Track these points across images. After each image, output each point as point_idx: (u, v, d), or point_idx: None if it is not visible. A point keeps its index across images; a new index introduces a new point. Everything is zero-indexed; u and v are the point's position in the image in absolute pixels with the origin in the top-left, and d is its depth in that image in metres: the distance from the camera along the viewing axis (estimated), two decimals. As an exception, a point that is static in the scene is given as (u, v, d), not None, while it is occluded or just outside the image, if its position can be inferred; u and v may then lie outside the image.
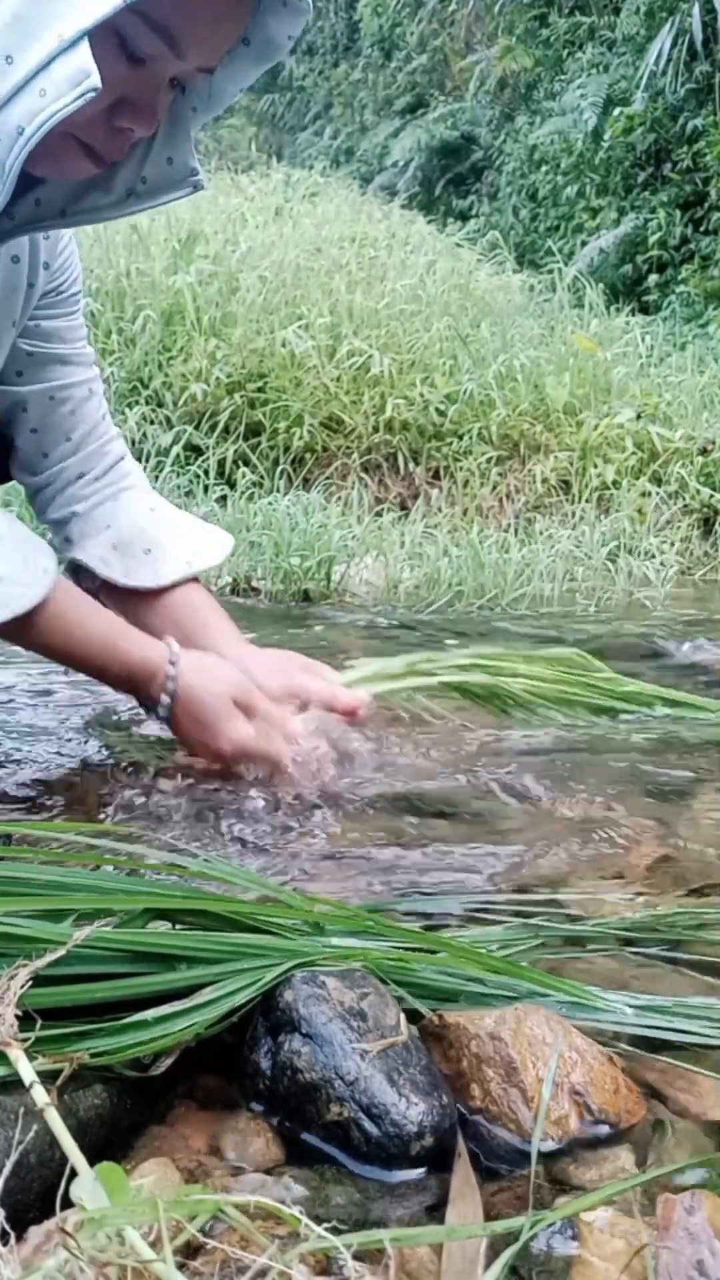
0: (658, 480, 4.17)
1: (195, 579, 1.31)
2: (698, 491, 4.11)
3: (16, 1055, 0.54)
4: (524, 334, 5.01)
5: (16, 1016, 0.56)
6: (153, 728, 1.30)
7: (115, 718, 1.45)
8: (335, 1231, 0.51)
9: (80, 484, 1.30)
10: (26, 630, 1.09)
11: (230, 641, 1.27)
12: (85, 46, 0.85)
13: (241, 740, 1.15)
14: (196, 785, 1.16)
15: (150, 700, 1.17)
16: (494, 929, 0.82)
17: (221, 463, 3.70)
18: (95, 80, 0.85)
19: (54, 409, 1.26)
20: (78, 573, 1.30)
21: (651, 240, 8.54)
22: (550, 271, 6.53)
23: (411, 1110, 0.58)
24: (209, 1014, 0.61)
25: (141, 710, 1.24)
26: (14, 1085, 0.54)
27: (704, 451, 4.29)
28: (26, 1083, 0.53)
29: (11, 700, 1.54)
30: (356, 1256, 0.51)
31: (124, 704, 1.42)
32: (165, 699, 1.15)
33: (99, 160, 0.98)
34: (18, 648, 1.21)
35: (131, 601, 1.28)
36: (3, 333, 1.17)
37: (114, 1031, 0.59)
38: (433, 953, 0.73)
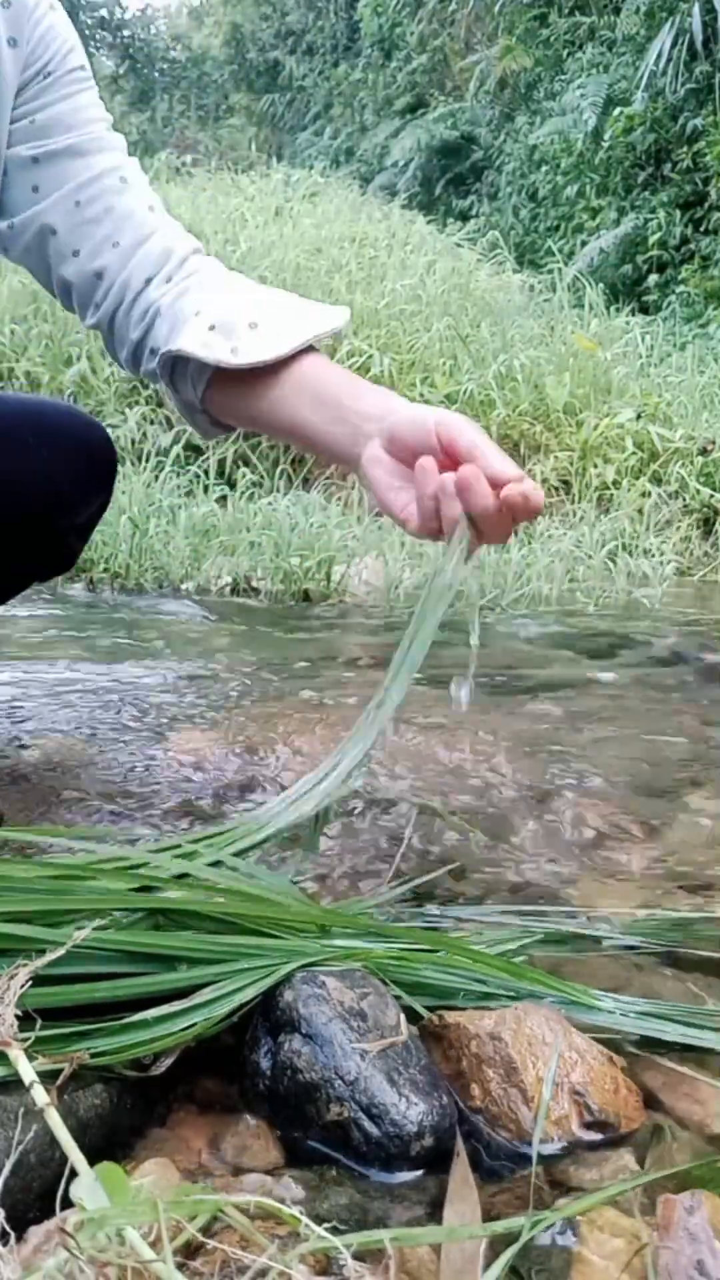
0: (657, 480, 4.18)
1: (316, 349, 1.04)
2: (697, 491, 4.12)
3: (16, 1055, 0.54)
4: (524, 334, 5.01)
5: (17, 1016, 0.56)
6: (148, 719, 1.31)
7: (115, 717, 1.45)
8: (335, 1232, 0.51)
9: (150, 289, 1.04)
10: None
11: (381, 396, 0.99)
12: None
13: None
14: (196, 785, 1.16)
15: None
16: (494, 928, 0.82)
17: (221, 463, 3.70)
18: None
19: (83, 215, 1.01)
20: (174, 370, 1.06)
21: (651, 240, 8.54)
22: (550, 271, 6.53)
23: (411, 1110, 0.58)
24: (209, 1014, 0.61)
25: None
26: (14, 1085, 0.54)
27: (704, 451, 4.29)
28: (26, 1082, 0.53)
29: (13, 699, 1.54)
30: (356, 1257, 0.51)
31: (122, 704, 1.42)
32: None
33: None
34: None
35: (248, 385, 1.03)
36: None
37: (114, 1031, 0.59)
38: (432, 952, 0.73)
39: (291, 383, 1.01)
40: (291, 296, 1.07)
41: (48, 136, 0.98)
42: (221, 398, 1.04)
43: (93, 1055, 0.57)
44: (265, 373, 0.99)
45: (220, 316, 1.01)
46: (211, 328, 1.00)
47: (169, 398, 1.09)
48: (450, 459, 0.86)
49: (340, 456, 0.99)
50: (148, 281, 1.03)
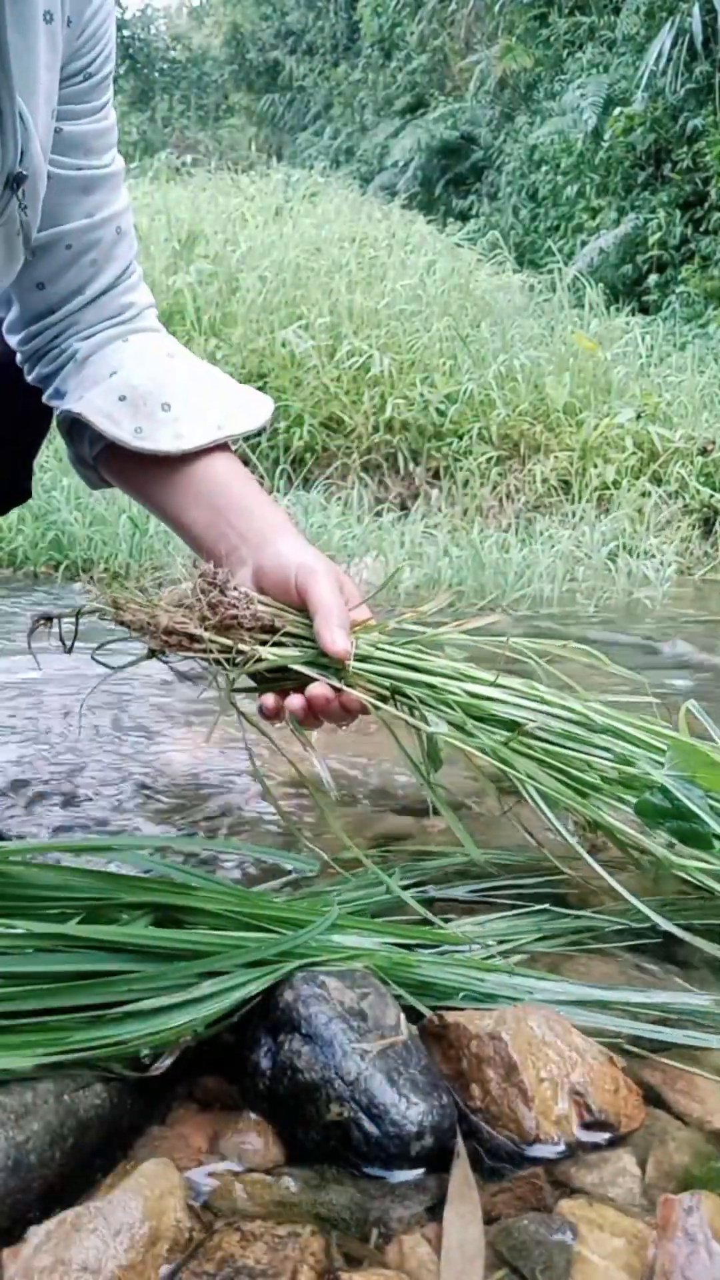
0: (657, 480, 4.18)
1: (227, 447, 1.00)
2: (697, 491, 4.12)
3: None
4: (524, 334, 5.01)
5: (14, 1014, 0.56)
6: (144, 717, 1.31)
7: (113, 715, 1.45)
8: (335, 1231, 0.51)
9: (83, 328, 1.00)
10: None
11: (264, 519, 0.96)
12: None
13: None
14: (194, 784, 1.16)
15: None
16: (495, 925, 0.82)
17: (221, 463, 3.69)
18: None
19: (72, 260, 0.96)
20: (74, 433, 1.02)
21: (651, 240, 8.55)
22: (550, 271, 6.53)
23: (411, 1110, 0.58)
24: (209, 1009, 0.61)
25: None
26: (14, 1085, 0.54)
27: (704, 451, 4.30)
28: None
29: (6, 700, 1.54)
30: (357, 1256, 0.51)
31: (119, 705, 1.42)
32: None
33: None
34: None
35: (143, 471, 0.99)
36: (35, 109, 0.83)
37: (112, 1022, 0.59)
38: (432, 949, 0.73)
39: (186, 479, 0.97)
40: (219, 380, 1.02)
41: (65, 156, 0.91)
42: (116, 465, 1.00)
43: (90, 1047, 0.57)
44: (164, 460, 0.96)
45: (134, 386, 0.96)
46: (122, 398, 0.96)
47: (64, 439, 1.06)
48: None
49: (214, 562, 0.93)
50: (84, 324, 0.99)
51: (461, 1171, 0.56)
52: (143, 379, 0.97)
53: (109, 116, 0.94)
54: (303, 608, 0.88)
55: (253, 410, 1.00)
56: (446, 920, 0.81)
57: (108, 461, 1.01)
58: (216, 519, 0.96)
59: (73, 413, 0.97)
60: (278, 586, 0.90)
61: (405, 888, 0.86)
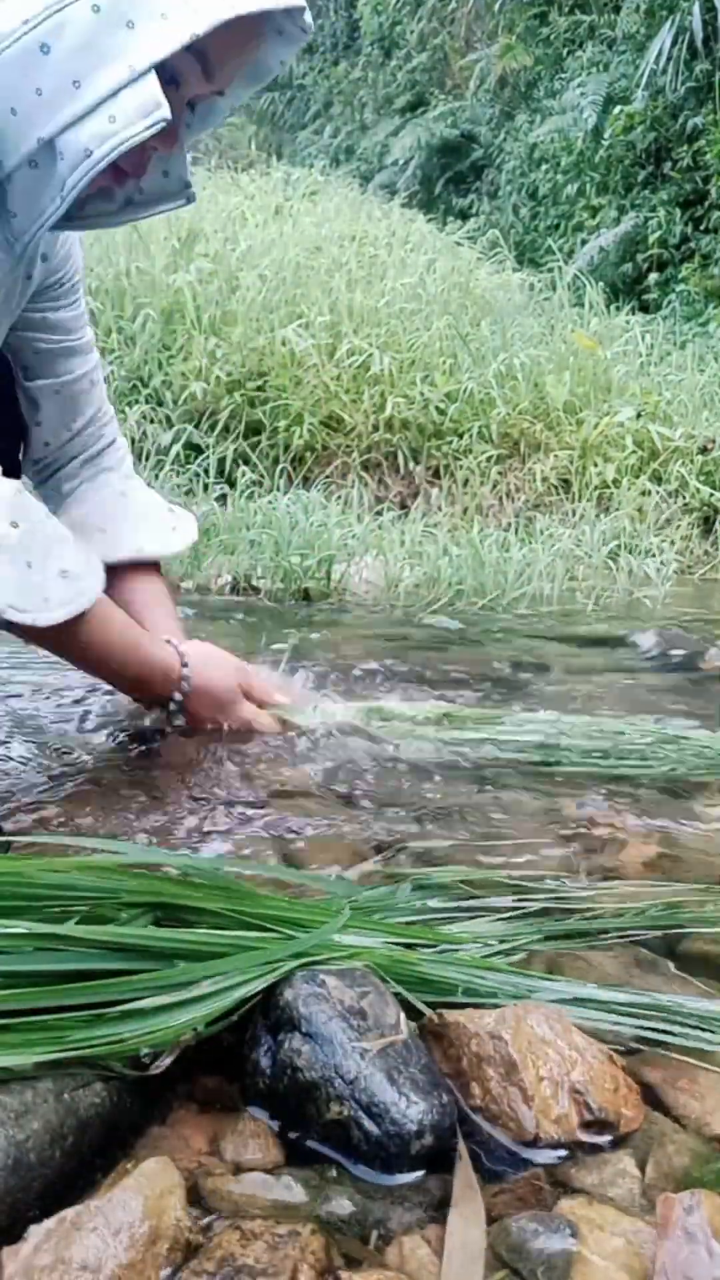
0: (658, 479, 4.17)
1: (154, 566, 1.38)
2: (698, 490, 4.12)
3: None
4: (524, 332, 5.01)
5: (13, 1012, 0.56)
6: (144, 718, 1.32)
7: (107, 715, 1.45)
8: (335, 1231, 0.51)
9: (73, 465, 1.39)
10: (74, 629, 1.12)
11: (169, 630, 1.32)
12: (154, 79, 0.92)
13: (248, 719, 1.31)
14: (193, 784, 1.16)
15: (162, 696, 1.27)
16: (495, 925, 0.82)
17: (221, 461, 3.69)
18: (165, 112, 0.93)
19: (60, 402, 1.34)
20: None
21: (651, 239, 8.54)
22: (550, 270, 6.53)
23: (411, 1109, 0.58)
24: (209, 1008, 0.61)
25: (138, 704, 1.33)
26: (14, 1085, 0.54)
27: (704, 450, 4.29)
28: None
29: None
30: (357, 1256, 0.51)
31: (119, 706, 1.42)
32: (178, 695, 1.26)
33: (122, 176, 1.03)
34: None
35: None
36: (4, 322, 1.21)
37: (111, 1020, 0.59)
38: (433, 948, 0.73)
39: (109, 592, 1.22)
40: (157, 509, 1.39)
41: (53, 334, 1.29)
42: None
43: (90, 1045, 0.57)
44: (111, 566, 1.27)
45: (84, 517, 1.34)
46: (73, 526, 1.24)
47: None
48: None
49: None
50: (73, 459, 1.38)
51: (465, 1176, 0.56)
52: (93, 511, 1.37)
53: (80, 306, 1.32)
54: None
55: (176, 535, 1.38)
56: (447, 920, 0.81)
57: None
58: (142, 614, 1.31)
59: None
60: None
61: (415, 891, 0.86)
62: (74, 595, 1.09)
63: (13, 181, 1.01)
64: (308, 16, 1.04)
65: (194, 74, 1.01)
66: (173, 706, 1.27)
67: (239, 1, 0.94)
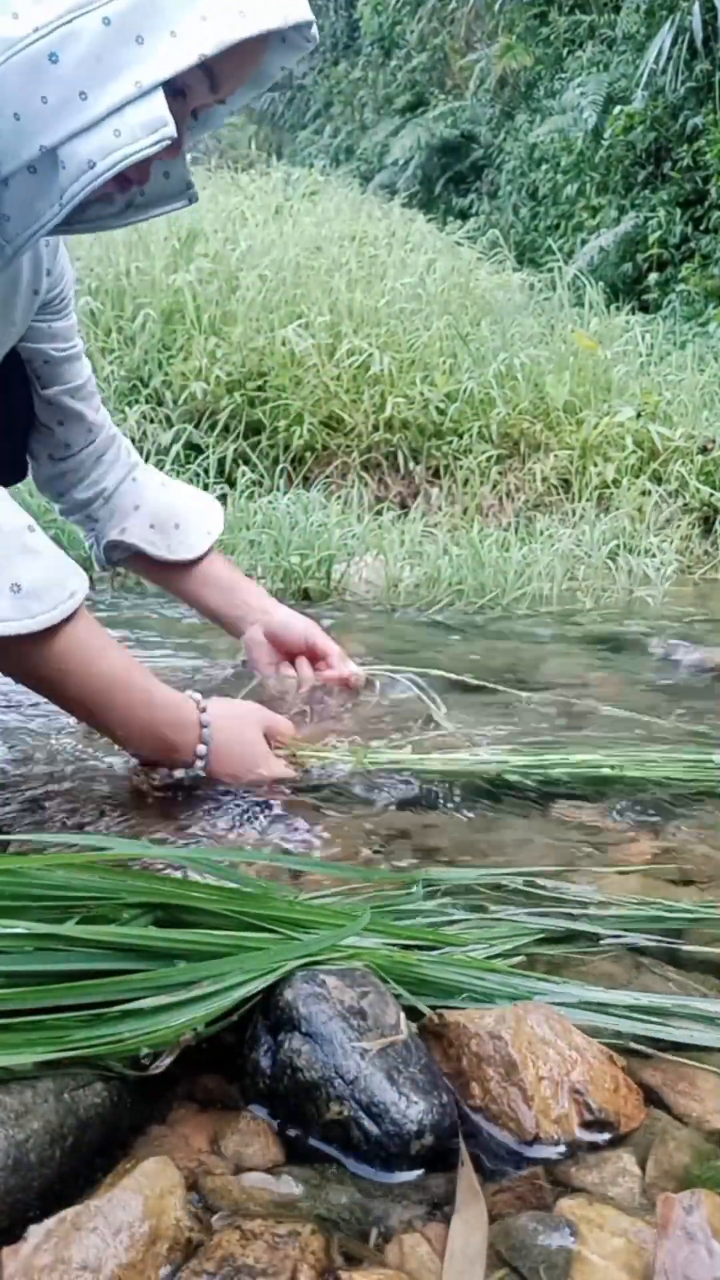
0: (658, 479, 4.17)
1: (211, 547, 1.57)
2: (698, 490, 4.11)
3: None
4: (524, 332, 5.00)
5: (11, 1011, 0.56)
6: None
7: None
8: (335, 1229, 0.51)
9: (102, 466, 1.52)
10: (40, 654, 1.02)
11: (260, 595, 1.57)
12: (160, 95, 0.93)
13: (277, 774, 1.18)
14: (195, 783, 1.16)
15: (181, 758, 1.13)
16: (495, 925, 0.82)
17: (221, 461, 3.69)
18: (171, 130, 0.94)
19: (74, 405, 1.46)
20: (112, 550, 1.54)
21: (651, 239, 8.54)
22: (550, 270, 6.53)
23: (411, 1109, 0.58)
24: (209, 1008, 0.61)
25: (134, 759, 1.18)
26: (14, 1085, 0.54)
27: (704, 450, 4.29)
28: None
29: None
30: (357, 1254, 0.51)
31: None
32: (202, 750, 1.13)
33: (125, 183, 1.04)
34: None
35: (168, 572, 1.55)
36: (9, 331, 1.28)
37: (111, 1020, 0.59)
38: (433, 949, 0.73)
39: (201, 572, 1.55)
40: (196, 496, 1.59)
41: (56, 342, 1.41)
42: (142, 565, 1.57)
43: (90, 1045, 0.57)
44: (184, 565, 1.54)
45: (155, 516, 1.53)
46: (151, 526, 1.52)
47: (98, 549, 1.58)
48: (310, 652, 1.55)
49: (226, 628, 1.61)
50: (99, 459, 1.51)
51: (468, 1179, 0.56)
52: (156, 507, 1.54)
53: (73, 315, 1.44)
54: (310, 649, 1.55)
55: (214, 515, 1.57)
56: (449, 921, 0.81)
57: (134, 562, 1.57)
58: (229, 597, 1.56)
59: (121, 540, 1.52)
60: (290, 639, 1.55)
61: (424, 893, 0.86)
62: (19, 614, 0.96)
63: (9, 186, 1.01)
64: (314, 29, 1.04)
65: (200, 87, 1.01)
66: (199, 765, 1.13)
67: (247, 23, 0.95)
